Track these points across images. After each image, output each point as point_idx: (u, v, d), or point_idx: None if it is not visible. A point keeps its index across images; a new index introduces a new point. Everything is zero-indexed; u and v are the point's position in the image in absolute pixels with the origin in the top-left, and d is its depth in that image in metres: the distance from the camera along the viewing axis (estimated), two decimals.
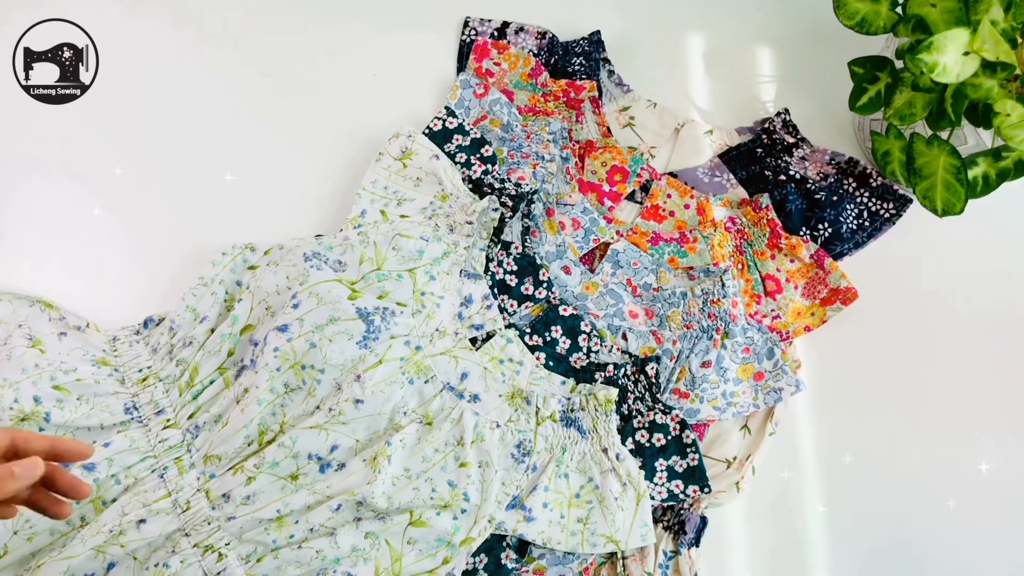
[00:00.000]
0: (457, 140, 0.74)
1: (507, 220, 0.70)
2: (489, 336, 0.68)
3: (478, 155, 0.73)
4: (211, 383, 0.63)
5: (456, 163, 0.73)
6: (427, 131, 0.74)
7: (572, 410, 0.64)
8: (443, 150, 0.73)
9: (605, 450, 0.63)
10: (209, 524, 0.59)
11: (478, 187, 0.72)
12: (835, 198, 0.74)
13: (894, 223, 0.74)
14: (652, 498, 0.65)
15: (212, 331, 0.64)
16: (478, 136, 0.74)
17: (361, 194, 0.71)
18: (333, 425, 0.61)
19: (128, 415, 0.61)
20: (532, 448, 0.62)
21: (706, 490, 0.65)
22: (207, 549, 0.58)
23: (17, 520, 0.56)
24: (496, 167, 0.73)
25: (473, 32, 0.81)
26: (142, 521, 0.58)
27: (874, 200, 0.75)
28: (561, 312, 0.69)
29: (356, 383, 0.61)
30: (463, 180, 0.72)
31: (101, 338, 0.64)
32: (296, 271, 0.63)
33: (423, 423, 0.62)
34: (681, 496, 0.65)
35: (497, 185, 0.72)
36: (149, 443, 0.60)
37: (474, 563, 0.62)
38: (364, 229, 0.67)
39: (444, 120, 0.74)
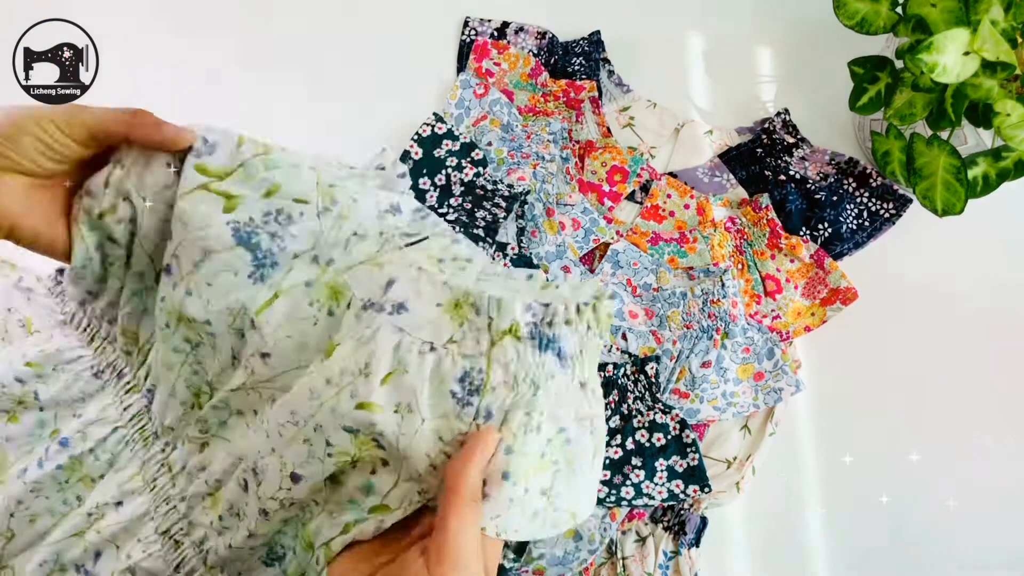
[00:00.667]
0: (447, 145, 0.74)
1: (501, 222, 0.70)
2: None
3: (468, 159, 0.73)
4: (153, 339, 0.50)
5: (447, 167, 0.73)
6: (416, 137, 0.74)
7: (550, 322, 0.41)
8: (432, 155, 0.73)
9: (583, 384, 0.43)
10: (167, 504, 0.51)
11: (470, 189, 0.72)
12: (835, 198, 0.74)
13: (894, 223, 0.74)
14: (652, 498, 0.65)
15: (124, 272, 0.48)
16: (467, 141, 0.74)
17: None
18: (260, 387, 0.47)
19: (99, 380, 0.53)
20: (485, 382, 0.41)
21: (706, 490, 0.65)
22: (164, 535, 0.50)
23: (10, 503, 0.53)
24: (487, 170, 0.73)
25: (473, 32, 0.81)
26: (119, 503, 0.51)
27: (874, 200, 0.75)
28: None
29: (253, 332, 0.45)
30: (456, 183, 0.72)
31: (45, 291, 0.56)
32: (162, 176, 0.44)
33: (322, 354, 0.44)
34: (681, 496, 0.65)
35: (489, 187, 0.72)
36: (116, 412, 0.52)
37: None
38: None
39: (433, 126, 0.74)
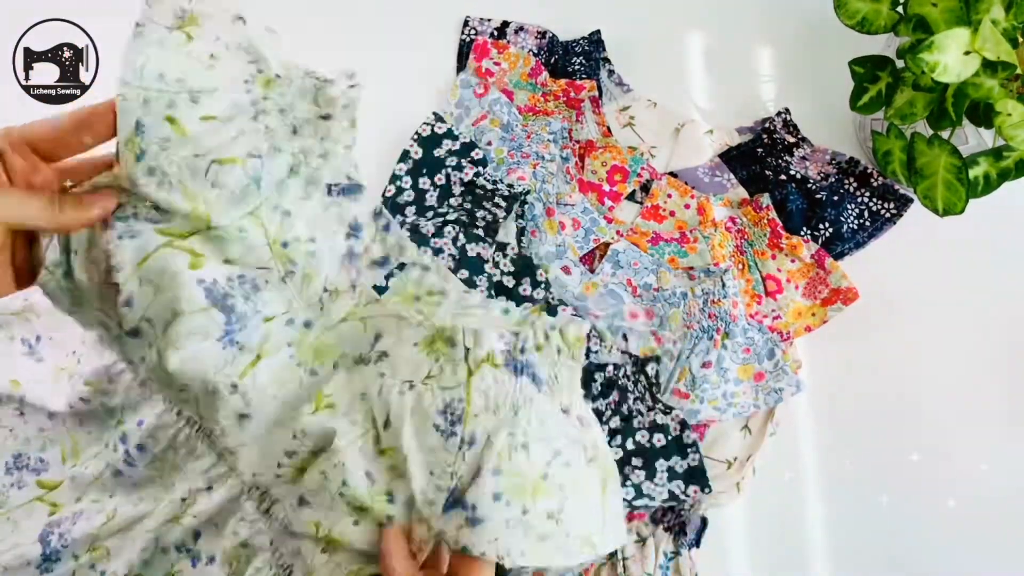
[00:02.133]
0: (447, 145, 0.74)
1: (501, 222, 0.70)
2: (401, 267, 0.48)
3: (469, 158, 0.73)
4: None
5: (447, 167, 0.73)
6: (416, 136, 0.74)
7: (521, 349, 0.43)
8: (432, 155, 0.73)
9: (566, 411, 0.44)
10: (254, 476, 0.49)
11: (470, 189, 0.72)
12: (836, 198, 0.74)
13: (895, 223, 0.74)
14: (652, 498, 0.65)
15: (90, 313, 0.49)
16: (467, 140, 0.74)
17: (125, 95, 0.42)
18: (227, 450, 0.48)
19: (146, 388, 0.53)
20: (466, 411, 0.42)
21: (707, 490, 0.65)
22: (260, 500, 0.48)
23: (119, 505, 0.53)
24: (487, 169, 0.73)
25: (473, 32, 0.81)
26: (209, 488, 0.50)
27: (875, 200, 0.75)
28: (560, 313, 0.69)
29: (235, 395, 0.44)
30: (456, 183, 0.72)
31: None
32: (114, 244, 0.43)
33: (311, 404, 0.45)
34: (682, 496, 0.65)
35: (489, 187, 0.72)
36: (171, 416, 0.52)
37: None
38: (152, 162, 0.41)
39: (433, 125, 0.74)
